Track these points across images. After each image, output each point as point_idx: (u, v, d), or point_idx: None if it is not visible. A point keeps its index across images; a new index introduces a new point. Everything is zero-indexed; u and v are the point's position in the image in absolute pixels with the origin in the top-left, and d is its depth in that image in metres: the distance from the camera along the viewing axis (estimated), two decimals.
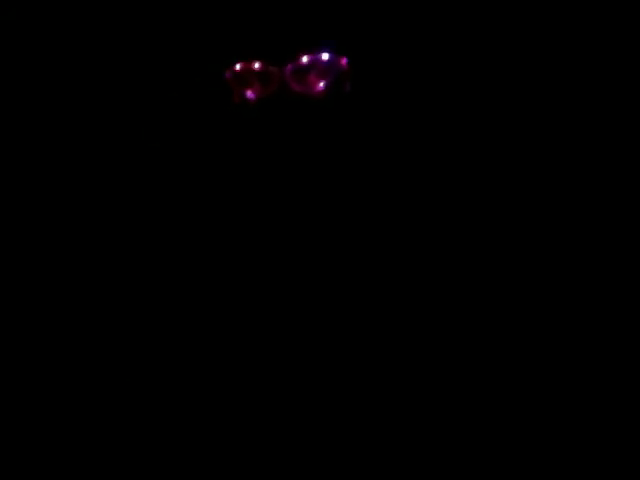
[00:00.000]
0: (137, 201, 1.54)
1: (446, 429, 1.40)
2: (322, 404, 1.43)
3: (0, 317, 1.49)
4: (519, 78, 1.50)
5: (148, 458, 1.42)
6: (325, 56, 1.49)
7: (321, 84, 1.50)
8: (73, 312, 1.50)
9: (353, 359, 1.45)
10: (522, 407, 1.40)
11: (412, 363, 1.44)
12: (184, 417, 1.44)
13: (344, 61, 1.50)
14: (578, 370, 1.41)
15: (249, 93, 1.52)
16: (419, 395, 1.43)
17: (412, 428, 1.41)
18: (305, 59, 1.48)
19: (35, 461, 1.42)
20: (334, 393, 1.44)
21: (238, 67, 1.51)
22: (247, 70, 1.50)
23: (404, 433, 1.41)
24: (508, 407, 1.40)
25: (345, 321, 1.47)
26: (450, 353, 1.44)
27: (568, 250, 1.46)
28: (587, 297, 1.44)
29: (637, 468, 1.34)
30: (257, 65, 1.50)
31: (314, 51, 1.48)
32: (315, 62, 1.48)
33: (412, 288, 1.47)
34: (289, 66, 1.49)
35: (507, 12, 1.49)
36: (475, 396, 1.42)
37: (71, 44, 1.55)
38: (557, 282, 1.45)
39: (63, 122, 1.56)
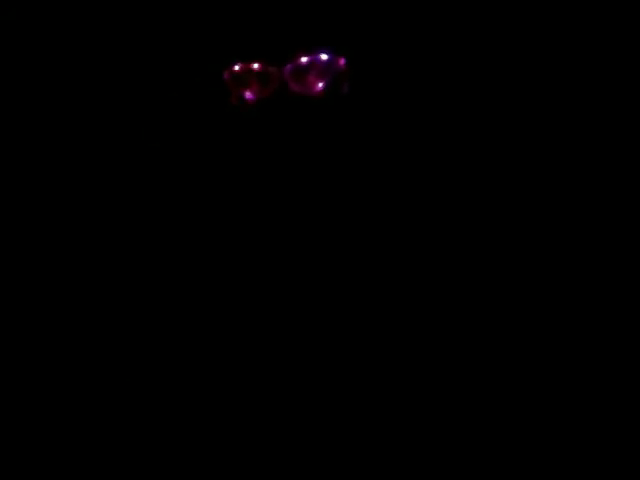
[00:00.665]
0: (136, 200, 1.54)
1: (446, 428, 1.40)
2: (322, 403, 1.43)
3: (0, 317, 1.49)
4: (518, 78, 1.50)
5: (148, 458, 1.41)
6: (324, 56, 1.49)
7: (320, 84, 1.50)
8: (73, 311, 1.49)
9: (353, 358, 1.45)
10: (522, 406, 1.40)
11: (412, 362, 1.44)
12: (184, 417, 1.43)
13: (342, 61, 1.51)
14: (578, 369, 1.41)
15: (248, 94, 1.52)
16: (419, 394, 1.42)
17: (412, 427, 1.41)
18: (304, 59, 1.49)
19: (35, 461, 1.41)
20: (334, 392, 1.43)
21: (237, 67, 1.51)
22: (246, 70, 1.51)
23: (404, 432, 1.40)
24: (508, 406, 1.40)
25: (345, 320, 1.47)
26: (450, 352, 1.44)
27: (567, 249, 1.46)
28: (587, 296, 1.44)
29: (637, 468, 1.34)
30: (256, 65, 1.50)
31: (313, 51, 1.49)
32: (314, 62, 1.49)
33: (412, 287, 1.47)
34: (288, 66, 1.49)
35: (506, 12, 1.50)
36: (475, 395, 1.42)
37: (71, 44, 1.55)
38: (557, 281, 1.45)
39: (62, 121, 1.56)
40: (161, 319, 1.49)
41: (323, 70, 1.50)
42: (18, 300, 1.49)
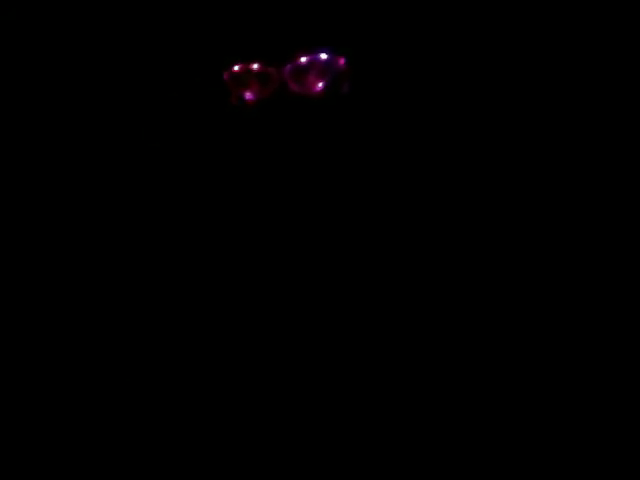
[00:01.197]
0: (136, 201, 1.54)
1: (446, 429, 1.40)
2: (322, 404, 1.43)
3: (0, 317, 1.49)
4: (518, 78, 1.50)
5: (148, 458, 1.42)
6: (323, 56, 1.49)
7: (320, 84, 1.50)
8: (73, 312, 1.50)
9: (353, 359, 1.45)
10: (522, 407, 1.40)
11: (412, 363, 1.44)
12: (184, 417, 1.44)
13: (342, 61, 1.50)
14: (578, 370, 1.41)
15: (248, 94, 1.52)
16: (419, 395, 1.43)
17: (412, 428, 1.41)
18: (304, 59, 1.49)
19: (35, 461, 1.41)
20: (334, 393, 1.44)
21: (237, 68, 1.51)
22: (246, 71, 1.51)
23: (404, 433, 1.41)
24: (508, 407, 1.40)
25: (345, 321, 1.47)
26: (450, 353, 1.44)
27: (568, 250, 1.46)
28: (587, 297, 1.44)
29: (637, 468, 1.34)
30: (255, 66, 1.50)
31: (312, 51, 1.49)
32: (314, 62, 1.49)
33: (412, 288, 1.47)
34: (288, 66, 1.49)
35: (506, 12, 1.49)
36: (475, 396, 1.42)
37: (71, 44, 1.55)
38: (557, 282, 1.45)
39: (62, 122, 1.56)
40: (161, 319, 1.49)
41: (323, 70, 1.49)
42: (18, 300, 1.50)
